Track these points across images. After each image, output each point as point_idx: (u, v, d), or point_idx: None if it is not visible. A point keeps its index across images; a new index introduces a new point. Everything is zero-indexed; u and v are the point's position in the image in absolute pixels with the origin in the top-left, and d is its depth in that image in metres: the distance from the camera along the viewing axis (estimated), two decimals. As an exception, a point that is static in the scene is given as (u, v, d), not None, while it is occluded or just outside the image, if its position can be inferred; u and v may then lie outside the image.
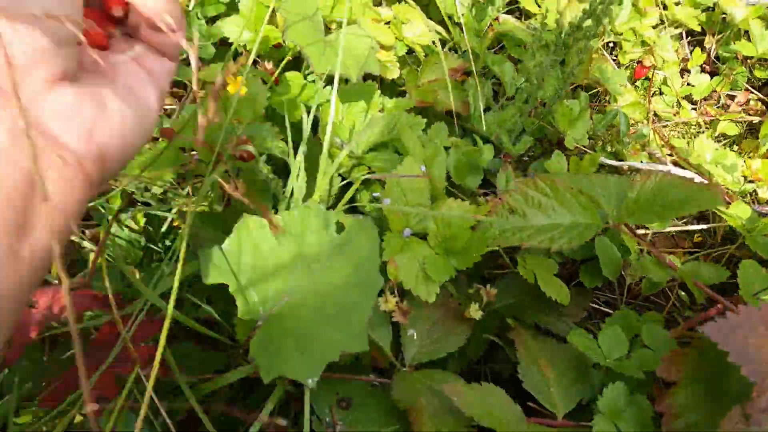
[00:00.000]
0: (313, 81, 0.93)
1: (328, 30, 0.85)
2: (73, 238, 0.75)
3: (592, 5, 0.78)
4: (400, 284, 0.63)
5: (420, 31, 0.96)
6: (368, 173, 0.75)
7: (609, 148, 0.92)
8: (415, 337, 0.67)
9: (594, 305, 0.85)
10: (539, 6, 1.05)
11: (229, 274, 0.52)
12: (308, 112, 0.80)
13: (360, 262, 0.54)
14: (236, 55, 0.89)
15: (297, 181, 0.67)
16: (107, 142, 0.30)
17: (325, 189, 0.65)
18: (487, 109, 0.96)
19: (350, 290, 0.55)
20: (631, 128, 0.95)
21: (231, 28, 0.84)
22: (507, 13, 1.13)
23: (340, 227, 0.57)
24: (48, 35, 0.27)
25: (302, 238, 0.55)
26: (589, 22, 0.77)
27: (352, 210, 0.77)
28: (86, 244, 0.76)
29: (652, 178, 0.67)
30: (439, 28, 1.03)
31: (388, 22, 0.94)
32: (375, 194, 0.67)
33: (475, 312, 0.65)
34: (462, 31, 1.00)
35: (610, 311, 0.84)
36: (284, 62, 0.75)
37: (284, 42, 0.71)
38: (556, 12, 1.02)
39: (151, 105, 0.34)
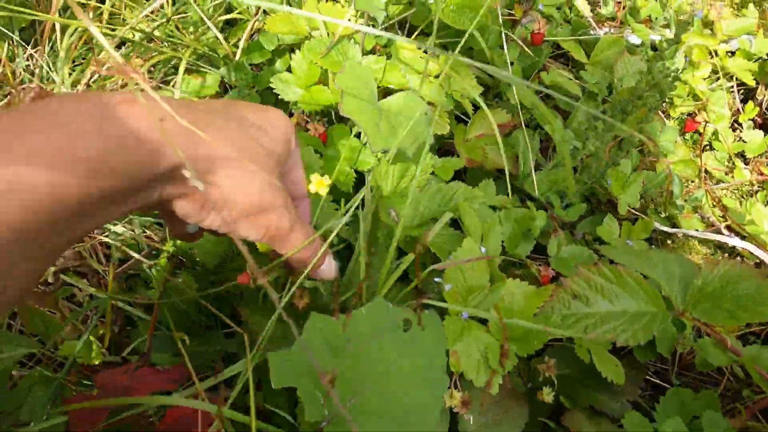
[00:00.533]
0: (359, 134, 0.92)
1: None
2: (120, 304, 0.75)
3: (652, 72, 0.76)
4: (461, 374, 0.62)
5: (468, 84, 0.94)
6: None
7: (661, 211, 0.90)
8: (471, 422, 0.66)
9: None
10: (588, 56, 1.03)
11: (297, 377, 0.51)
12: (357, 177, 0.79)
13: (427, 362, 0.53)
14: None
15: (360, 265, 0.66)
16: None
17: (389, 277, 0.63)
18: (536, 165, 0.94)
19: (418, 392, 0.54)
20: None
21: (283, 87, 0.83)
22: (553, 58, 1.11)
23: (406, 325, 0.56)
24: None
25: (370, 337, 0.54)
26: (651, 93, 0.75)
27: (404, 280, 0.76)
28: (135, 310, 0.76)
29: (719, 267, 0.65)
30: (486, 67, 1.02)
31: (437, 76, 0.92)
32: (437, 279, 0.66)
33: (548, 395, 0.64)
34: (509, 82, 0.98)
35: (661, 382, 0.83)
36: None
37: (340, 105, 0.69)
38: (606, 64, 1.00)
39: None
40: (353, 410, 0.53)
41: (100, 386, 0.57)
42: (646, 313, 0.64)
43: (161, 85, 0.99)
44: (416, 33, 1.00)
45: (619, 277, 0.66)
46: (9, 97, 0.89)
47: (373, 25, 0.90)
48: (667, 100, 1.07)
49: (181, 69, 0.86)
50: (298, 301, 0.60)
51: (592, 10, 1.12)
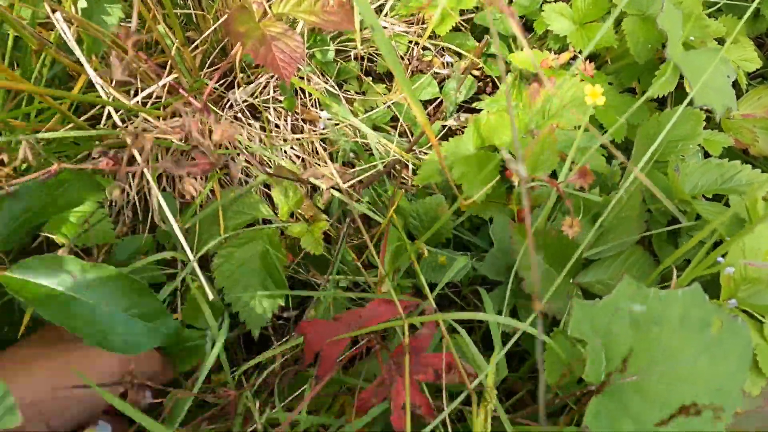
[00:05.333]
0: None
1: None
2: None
3: None
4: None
5: (747, 54, 0.83)
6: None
7: None
8: None
9: None
10: None
11: (593, 333, 0.48)
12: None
13: (725, 373, 0.48)
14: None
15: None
16: None
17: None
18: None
19: (701, 400, 0.48)
20: None
21: (555, 17, 0.76)
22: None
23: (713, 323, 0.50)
24: None
25: (677, 325, 0.49)
26: None
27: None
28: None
29: None
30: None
31: (718, 39, 0.81)
32: (719, 258, 0.59)
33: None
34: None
35: None
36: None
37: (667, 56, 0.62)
38: None
39: None
40: (631, 387, 0.49)
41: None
42: None
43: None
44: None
45: None
46: None
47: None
48: None
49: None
50: (568, 229, 0.54)
51: None
